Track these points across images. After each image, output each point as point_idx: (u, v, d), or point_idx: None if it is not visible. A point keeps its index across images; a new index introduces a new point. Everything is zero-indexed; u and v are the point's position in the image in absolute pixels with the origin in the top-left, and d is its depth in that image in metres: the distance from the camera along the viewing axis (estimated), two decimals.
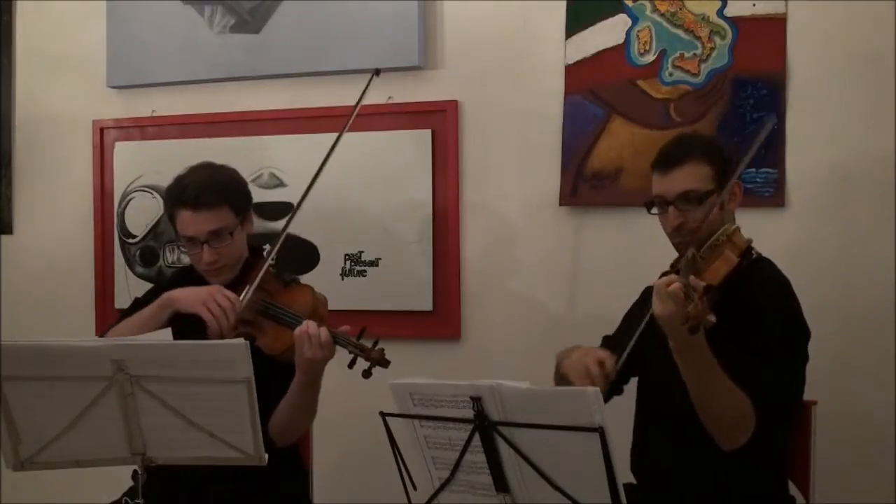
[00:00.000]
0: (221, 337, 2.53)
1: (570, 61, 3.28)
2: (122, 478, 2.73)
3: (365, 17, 3.45)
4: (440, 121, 3.42)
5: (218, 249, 2.67)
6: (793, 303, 2.43)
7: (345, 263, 3.51)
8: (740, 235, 2.44)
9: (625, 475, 2.24)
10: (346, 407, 3.02)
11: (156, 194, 3.74)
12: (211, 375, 2.18)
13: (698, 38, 3.14)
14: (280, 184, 3.58)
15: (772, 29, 3.06)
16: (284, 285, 2.72)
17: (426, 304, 3.42)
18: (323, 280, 3.44)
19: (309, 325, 2.50)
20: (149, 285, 3.54)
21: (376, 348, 2.50)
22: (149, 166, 3.75)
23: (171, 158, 3.62)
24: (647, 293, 2.51)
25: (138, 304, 2.86)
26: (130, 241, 3.79)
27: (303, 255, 3.50)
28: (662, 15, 3.18)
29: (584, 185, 3.26)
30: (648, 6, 3.19)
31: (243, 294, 2.61)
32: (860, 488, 2.97)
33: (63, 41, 3.91)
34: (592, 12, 3.25)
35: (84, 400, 2.22)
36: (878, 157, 2.99)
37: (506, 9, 3.37)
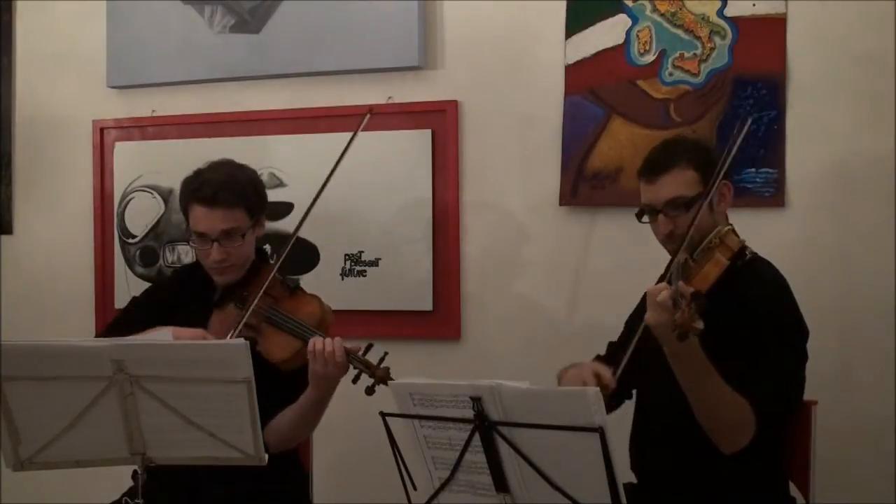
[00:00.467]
0: None
1: (570, 61, 3.28)
2: (122, 478, 2.73)
3: (365, 17, 3.45)
4: (440, 121, 3.42)
5: (228, 249, 2.66)
6: (788, 303, 2.41)
7: (345, 263, 3.51)
8: (733, 237, 2.42)
9: (625, 475, 2.24)
10: (346, 407, 3.00)
11: (156, 194, 3.74)
12: (211, 375, 2.18)
13: (698, 38, 3.14)
14: (280, 184, 3.58)
15: (772, 29, 3.06)
16: (290, 292, 2.72)
17: (426, 304, 3.42)
18: (323, 280, 3.45)
19: (325, 342, 2.49)
20: (149, 286, 3.56)
21: (382, 366, 2.51)
22: (149, 166, 3.75)
23: (171, 158, 3.64)
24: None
25: (137, 304, 2.86)
26: (130, 241, 3.78)
27: (303, 255, 3.50)
28: (662, 15, 3.18)
29: (584, 185, 3.26)
30: (648, 6, 3.19)
31: (247, 307, 2.59)
32: (860, 488, 2.97)
33: (63, 41, 3.91)
34: (592, 12, 3.25)
35: (84, 400, 2.22)
36: (878, 157, 2.99)
37: (506, 9, 3.37)
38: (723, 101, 3.11)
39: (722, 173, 2.41)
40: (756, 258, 2.46)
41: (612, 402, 2.46)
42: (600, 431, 1.81)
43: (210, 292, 2.75)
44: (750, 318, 2.33)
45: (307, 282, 3.35)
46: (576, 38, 3.27)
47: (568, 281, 3.31)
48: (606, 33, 3.24)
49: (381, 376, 2.49)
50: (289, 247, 2.74)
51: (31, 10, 3.97)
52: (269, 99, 3.63)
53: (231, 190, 2.66)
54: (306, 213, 2.80)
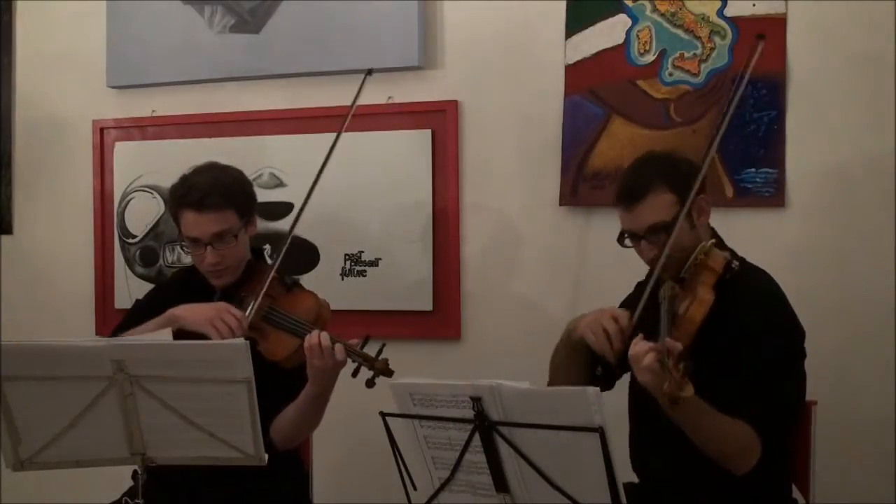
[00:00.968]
0: None
1: (570, 61, 3.28)
2: (122, 478, 2.73)
3: (365, 17, 3.45)
4: (440, 121, 3.42)
5: (221, 251, 2.67)
6: (780, 311, 2.37)
7: (345, 263, 3.51)
8: (715, 254, 2.35)
9: (625, 474, 2.24)
10: (346, 407, 3.01)
11: (156, 194, 3.74)
12: (211, 375, 2.18)
13: (698, 38, 3.15)
14: (280, 184, 3.58)
15: (772, 29, 3.06)
16: (287, 290, 2.72)
17: (426, 304, 3.42)
18: (323, 280, 3.45)
19: (321, 337, 2.50)
20: (149, 285, 3.56)
21: (380, 358, 2.51)
22: (149, 166, 3.75)
23: (171, 158, 3.63)
24: (639, 287, 2.51)
25: (140, 306, 2.86)
26: (130, 241, 3.78)
27: (303, 255, 3.50)
28: (662, 15, 3.18)
29: (584, 185, 3.26)
30: (648, 6, 3.19)
31: (248, 309, 2.61)
32: (860, 488, 2.97)
33: (63, 41, 3.91)
34: (592, 12, 3.25)
35: (84, 400, 2.22)
36: (878, 157, 2.99)
37: (506, 9, 3.37)
38: (723, 101, 3.10)
39: (696, 189, 2.35)
40: (743, 269, 2.38)
41: (617, 371, 2.43)
42: (600, 431, 1.81)
43: (210, 294, 2.75)
44: (742, 336, 2.30)
45: (307, 282, 3.34)
46: (576, 38, 3.27)
47: (568, 280, 3.31)
48: (606, 33, 3.24)
49: (381, 368, 2.49)
50: (285, 248, 2.74)
51: (31, 10, 3.97)
52: (269, 99, 3.63)
53: (218, 192, 2.66)
54: (302, 206, 2.81)
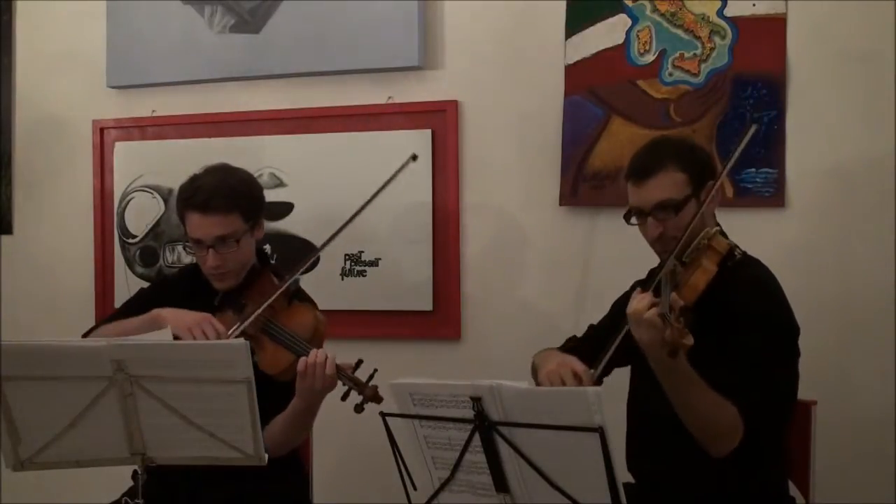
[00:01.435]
0: None
1: (570, 61, 3.28)
2: (122, 478, 2.73)
3: (365, 17, 3.45)
4: (440, 121, 3.42)
5: (223, 255, 2.65)
6: (775, 303, 2.38)
7: (345, 263, 3.51)
8: (720, 239, 2.38)
9: (624, 475, 2.24)
10: (347, 407, 3.00)
11: (156, 194, 3.74)
12: (211, 375, 2.18)
13: (698, 38, 3.15)
14: (280, 184, 3.58)
15: (772, 29, 3.06)
16: (289, 303, 2.70)
17: (426, 304, 3.42)
18: (323, 280, 3.45)
19: (317, 355, 2.49)
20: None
21: (370, 384, 2.50)
22: (149, 166, 3.75)
23: (171, 158, 3.64)
24: (637, 286, 2.50)
25: (144, 297, 2.85)
26: (130, 241, 3.79)
27: (303, 255, 3.50)
28: (662, 15, 3.18)
29: (584, 185, 3.27)
30: (648, 6, 3.19)
31: (238, 325, 2.57)
32: (860, 488, 2.96)
33: (63, 41, 3.91)
34: (592, 12, 3.25)
35: (84, 400, 2.22)
36: (878, 157, 2.99)
37: (506, 9, 3.37)
38: (723, 101, 3.11)
39: (722, 176, 2.40)
40: (745, 260, 2.43)
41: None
42: (600, 431, 1.81)
43: (212, 294, 2.74)
44: (736, 322, 2.31)
45: (307, 282, 3.34)
46: (576, 38, 3.27)
47: (568, 281, 3.31)
48: (606, 33, 3.24)
49: (370, 395, 2.49)
50: (303, 268, 2.69)
51: (31, 10, 3.97)
52: (269, 99, 3.63)
53: (224, 195, 2.64)
54: (338, 231, 2.80)
